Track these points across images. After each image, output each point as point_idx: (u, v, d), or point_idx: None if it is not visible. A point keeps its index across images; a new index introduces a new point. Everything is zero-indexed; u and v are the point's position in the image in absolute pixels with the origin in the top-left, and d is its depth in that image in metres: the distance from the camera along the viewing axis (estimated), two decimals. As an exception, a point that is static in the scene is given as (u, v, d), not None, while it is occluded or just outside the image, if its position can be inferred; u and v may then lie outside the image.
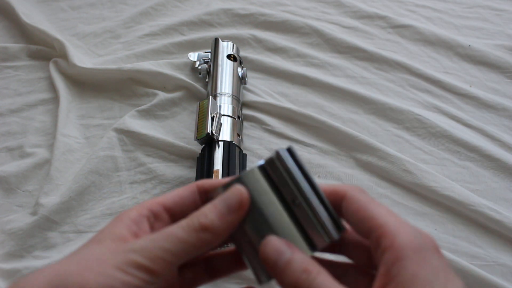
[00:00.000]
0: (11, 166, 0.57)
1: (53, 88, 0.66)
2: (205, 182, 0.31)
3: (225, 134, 0.55)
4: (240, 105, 0.61)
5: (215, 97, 0.59)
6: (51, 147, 0.59)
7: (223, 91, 0.60)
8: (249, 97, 0.64)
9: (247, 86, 0.66)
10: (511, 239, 0.50)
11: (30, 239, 0.51)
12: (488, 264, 0.49)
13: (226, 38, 0.69)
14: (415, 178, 0.54)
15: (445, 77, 0.66)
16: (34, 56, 0.72)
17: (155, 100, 0.63)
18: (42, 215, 0.52)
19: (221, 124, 0.55)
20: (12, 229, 0.51)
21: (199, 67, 0.65)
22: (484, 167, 0.57)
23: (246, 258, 0.29)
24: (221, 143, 0.54)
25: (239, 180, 0.28)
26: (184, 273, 0.31)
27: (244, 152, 0.56)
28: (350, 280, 0.29)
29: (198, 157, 0.55)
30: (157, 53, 0.71)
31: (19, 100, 0.66)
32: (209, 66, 0.65)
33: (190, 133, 0.60)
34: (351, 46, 0.71)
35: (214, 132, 0.53)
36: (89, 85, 0.67)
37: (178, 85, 0.65)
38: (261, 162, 0.28)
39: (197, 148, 0.57)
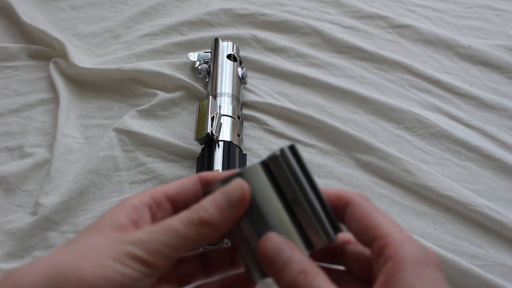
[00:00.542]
0: (11, 166, 0.57)
1: (53, 88, 0.66)
2: (207, 174, 0.31)
3: (225, 134, 0.55)
4: (240, 105, 0.61)
5: (215, 97, 0.59)
6: (51, 147, 0.59)
7: (223, 91, 0.60)
8: (249, 97, 0.64)
9: (247, 86, 0.66)
10: (511, 239, 0.50)
11: (30, 239, 0.51)
12: (488, 264, 0.49)
13: (226, 38, 0.69)
14: (415, 178, 0.54)
15: (445, 77, 0.66)
16: (34, 56, 0.72)
17: (155, 100, 0.63)
18: (42, 215, 0.52)
19: (221, 124, 0.55)
20: (12, 229, 0.51)
21: (199, 67, 0.65)
22: (484, 167, 0.57)
23: (240, 254, 0.29)
24: (221, 143, 0.54)
25: (240, 175, 0.28)
26: (181, 268, 0.31)
27: (244, 152, 0.56)
28: (346, 286, 0.29)
29: (198, 157, 0.55)
30: (157, 53, 0.71)
31: (19, 100, 0.66)
32: (209, 66, 0.65)
33: (190, 133, 0.60)
34: (351, 46, 0.71)
35: (214, 132, 0.53)
36: (89, 85, 0.67)
37: (178, 85, 0.65)
38: (263, 158, 0.28)
39: (197, 148, 0.57)
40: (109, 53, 0.72)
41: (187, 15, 0.76)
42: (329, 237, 0.27)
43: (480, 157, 0.57)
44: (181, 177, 0.55)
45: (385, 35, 0.74)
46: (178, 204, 0.29)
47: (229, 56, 0.65)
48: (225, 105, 0.58)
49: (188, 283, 0.31)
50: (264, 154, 0.59)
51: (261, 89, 0.66)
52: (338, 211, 0.28)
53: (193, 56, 0.68)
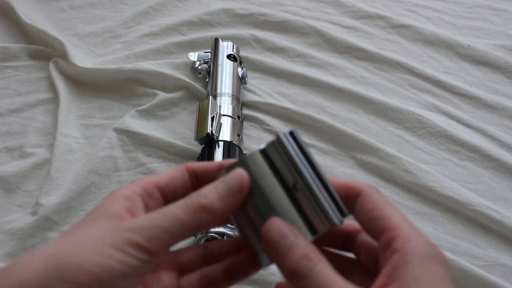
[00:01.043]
0: (11, 166, 0.57)
1: (53, 88, 0.66)
2: (194, 164, 0.31)
3: (225, 134, 0.55)
4: (240, 105, 0.61)
5: (215, 97, 0.59)
6: (51, 147, 0.59)
7: (223, 91, 0.60)
8: (249, 97, 0.64)
9: (247, 86, 0.66)
10: (511, 239, 0.50)
11: (30, 239, 0.51)
12: (488, 264, 0.49)
13: (226, 38, 0.69)
14: (415, 178, 0.54)
15: (445, 77, 0.66)
16: (34, 56, 0.72)
17: (155, 100, 0.63)
18: (42, 215, 0.52)
19: (221, 124, 0.55)
20: (12, 229, 0.51)
21: (199, 67, 0.65)
22: (484, 167, 0.57)
23: (248, 241, 0.29)
24: (221, 143, 0.54)
25: (241, 163, 0.28)
26: (181, 257, 0.31)
27: (244, 152, 0.56)
28: (354, 275, 0.29)
29: (198, 157, 0.55)
30: (157, 53, 0.71)
31: (19, 100, 0.66)
32: (209, 66, 0.65)
33: (190, 133, 0.60)
34: (351, 46, 0.71)
35: (214, 132, 0.53)
36: (89, 85, 0.67)
37: (178, 85, 0.65)
38: (263, 145, 0.28)
39: (197, 148, 0.57)
40: (109, 53, 0.72)
41: (187, 15, 0.76)
42: (331, 222, 0.27)
43: (480, 157, 0.57)
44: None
45: (385, 35, 0.74)
46: (167, 194, 0.29)
47: (229, 56, 0.65)
48: (225, 105, 0.58)
49: (188, 272, 0.31)
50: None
51: (261, 89, 0.66)
52: (349, 202, 0.28)
53: (193, 56, 0.68)
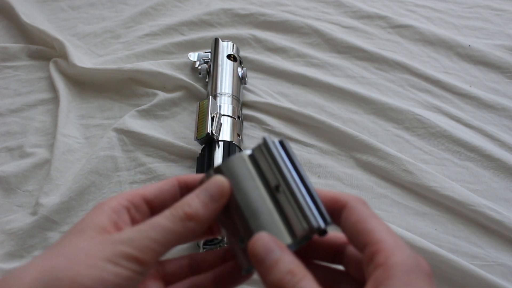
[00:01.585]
0: (11, 166, 0.57)
1: (53, 88, 0.66)
2: (186, 177, 0.31)
3: (225, 134, 0.55)
4: (240, 105, 0.61)
5: (215, 97, 0.59)
6: (51, 147, 0.59)
7: (223, 91, 0.60)
8: (249, 97, 0.64)
9: (247, 86, 0.66)
10: (511, 239, 0.50)
11: (30, 239, 0.51)
12: (488, 264, 0.49)
13: (226, 38, 0.69)
14: (415, 178, 0.54)
15: (445, 77, 0.66)
16: (34, 56, 0.71)
17: (155, 100, 0.63)
18: (42, 215, 0.52)
19: (221, 124, 0.55)
20: (12, 229, 0.51)
21: (199, 67, 0.65)
22: (484, 167, 0.57)
23: (229, 241, 0.29)
24: (221, 143, 0.54)
25: (223, 166, 0.29)
26: (166, 267, 0.31)
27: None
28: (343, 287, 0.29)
29: (198, 157, 0.55)
30: (157, 53, 0.71)
31: (19, 100, 0.66)
32: (209, 66, 0.65)
33: (190, 133, 0.60)
34: (351, 46, 0.71)
35: (214, 132, 0.53)
36: (89, 85, 0.67)
37: (178, 85, 0.65)
38: (249, 150, 0.29)
39: (197, 148, 0.57)
40: (109, 53, 0.72)
41: (187, 15, 0.76)
42: (310, 224, 0.27)
43: (480, 157, 0.57)
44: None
45: (385, 35, 0.74)
46: (155, 207, 0.30)
47: (229, 56, 0.65)
48: (225, 105, 0.58)
49: (174, 282, 0.31)
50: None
51: (261, 89, 0.66)
52: (334, 214, 0.28)
53: (193, 56, 0.68)
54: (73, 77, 0.68)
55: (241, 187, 0.28)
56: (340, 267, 0.30)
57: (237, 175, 0.28)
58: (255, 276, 0.28)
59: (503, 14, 0.77)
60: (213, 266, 0.31)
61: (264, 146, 0.29)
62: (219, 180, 0.28)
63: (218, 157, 0.52)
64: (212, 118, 0.54)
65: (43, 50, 0.71)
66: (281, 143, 0.29)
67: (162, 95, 0.63)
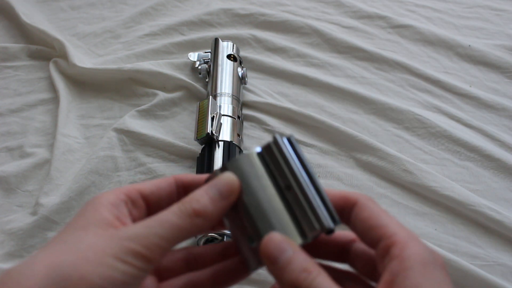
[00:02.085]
0: (11, 166, 0.57)
1: (53, 88, 0.66)
2: (183, 176, 0.31)
3: (225, 134, 0.55)
4: (240, 105, 0.61)
5: (215, 97, 0.59)
6: (51, 147, 0.59)
7: (223, 91, 0.60)
8: (249, 97, 0.64)
9: (247, 86, 0.66)
10: (511, 239, 0.50)
11: (30, 239, 0.51)
12: (488, 264, 0.49)
13: (226, 38, 0.69)
14: (415, 178, 0.54)
15: (445, 77, 0.66)
16: (34, 56, 0.71)
17: (155, 100, 0.63)
18: (42, 215, 0.52)
19: (221, 124, 0.55)
20: (12, 229, 0.51)
21: (199, 67, 0.65)
22: (484, 167, 0.57)
23: (237, 241, 0.29)
24: (221, 143, 0.54)
25: (233, 163, 0.28)
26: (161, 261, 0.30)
27: (244, 153, 0.56)
28: (348, 285, 0.29)
29: (198, 157, 0.55)
30: (157, 53, 0.71)
31: (19, 100, 0.66)
32: (209, 66, 0.65)
33: (190, 133, 0.60)
34: (351, 46, 0.71)
35: (214, 132, 0.53)
36: (89, 85, 0.67)
37: (178, 85, 0.65)
38: (259, 148, 0.29)
39: (197, 148, 0.57)
40: (109, 53, 0.72)
41: (187, 15, 0.76)
42: (322, 224, 0.27)
43: (480, 157, 0.57)
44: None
45: (385, 35, 0.74)
46: (151, 203, 0.29)
47: (229, 56, 0.65)
48: (225, 105, 0.58)
49: (169, 277, 0.30)
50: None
51: (261, 89, 0.66)
52: (344, 212, 0.28)
53: (193, 56, 0.68)
54: (73, 77, 0.68)
55: (249, 186, 0.28)
56: (342, 266, 0.30)
57: (246, 173, 0.28)
58: (255, 276, 0.28)
59: (503, 14, 0.77)
60: (211, 261, 0.31)
61: (274, 145, 0.28)
62: (228, 177, 0.28)
63: (218, 157, 0.52)
64: (212, 118, 0.54)
65: (43, 50, 0.71)
66: (289, 140, 0.29)
67: (162, 95, 0.63)
